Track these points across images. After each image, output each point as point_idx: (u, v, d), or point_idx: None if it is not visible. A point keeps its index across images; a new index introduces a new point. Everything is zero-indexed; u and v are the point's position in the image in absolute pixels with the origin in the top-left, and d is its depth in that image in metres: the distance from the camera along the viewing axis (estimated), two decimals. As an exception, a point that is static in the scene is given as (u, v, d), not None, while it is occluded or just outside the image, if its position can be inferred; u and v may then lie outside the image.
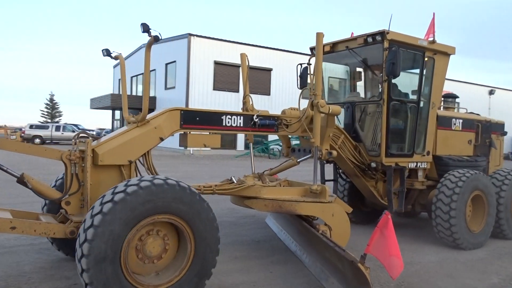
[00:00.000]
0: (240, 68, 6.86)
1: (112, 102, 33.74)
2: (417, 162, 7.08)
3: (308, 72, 7.39)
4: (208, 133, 5.59)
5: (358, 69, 7.80)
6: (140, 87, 38.82)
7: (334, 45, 7.17)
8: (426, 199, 7.36)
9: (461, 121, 7.78)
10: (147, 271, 4.15)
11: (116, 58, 5.56)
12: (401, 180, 6.77)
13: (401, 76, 7.54)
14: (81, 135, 4.82)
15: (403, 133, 7.00)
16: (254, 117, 5.70)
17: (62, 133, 39.29)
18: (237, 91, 30.98)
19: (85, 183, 4.54)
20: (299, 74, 7.29)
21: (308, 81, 7.53)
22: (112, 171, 4.71)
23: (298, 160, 6.51)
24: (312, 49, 7.54)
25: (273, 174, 6.81)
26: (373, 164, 6.67)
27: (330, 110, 5.66)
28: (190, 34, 30.23)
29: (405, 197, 7.46)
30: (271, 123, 5.86)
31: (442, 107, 8.39)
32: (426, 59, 6.91)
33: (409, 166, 6.99)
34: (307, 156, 6.33)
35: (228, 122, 5.58)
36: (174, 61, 32.50)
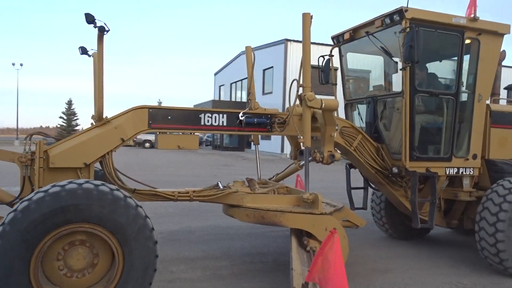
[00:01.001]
0: (246, 63, 6.28)
1: (213, 108, 34.91)
2: (458, 168, 5.74)
3: (331, 66, 6.56)
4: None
5: (395, 59, 6.65)
6: (238, 93, 39.67)
7: (354, 31, 6.19)
8: (476, 213, 5.96)
9: None
10: (73, 285, 3.79)
11: (93, 56, 5.36)
12: (431, 189, 5.51)
13: (443, 64, 6.33)
14: (35, 136, 4.69)
15: (436, 132, 5.73)
16: (240, 115, 5.09)
17: None
18: (332, 94, 29.96)
19: (35, 186, 4.36)
20: (321, 67, 6.46)
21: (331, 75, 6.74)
22: (69, 174, 4.44)
23: (300, 164, 5.72)
24: (333, 38, 6.67)
25: (279, 180, 6.08)
26: (395, 169, 5.55)
27: (323, 105, 4.80)
28: (287, 40, 30.43)
29: (449, 210, 6.20)
30: (261, 121, 5.20)
31: (505, 101, 6.80)
32: (468, 41, 5.61)
33: (448, 173, 5.69)
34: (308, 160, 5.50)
35: (208, 121, 5.06)
36: (272, 67, 32.75)
